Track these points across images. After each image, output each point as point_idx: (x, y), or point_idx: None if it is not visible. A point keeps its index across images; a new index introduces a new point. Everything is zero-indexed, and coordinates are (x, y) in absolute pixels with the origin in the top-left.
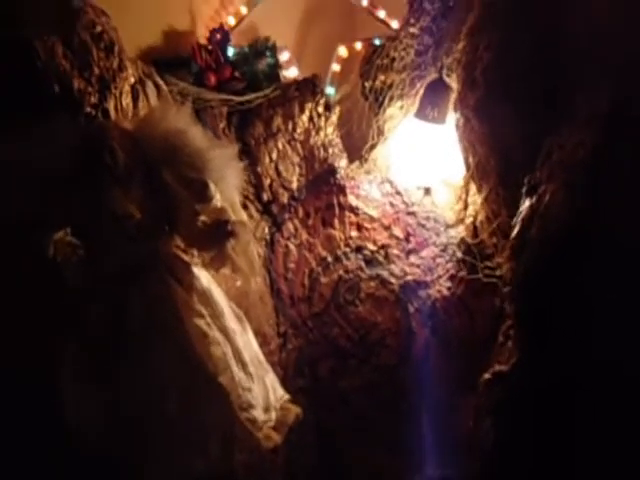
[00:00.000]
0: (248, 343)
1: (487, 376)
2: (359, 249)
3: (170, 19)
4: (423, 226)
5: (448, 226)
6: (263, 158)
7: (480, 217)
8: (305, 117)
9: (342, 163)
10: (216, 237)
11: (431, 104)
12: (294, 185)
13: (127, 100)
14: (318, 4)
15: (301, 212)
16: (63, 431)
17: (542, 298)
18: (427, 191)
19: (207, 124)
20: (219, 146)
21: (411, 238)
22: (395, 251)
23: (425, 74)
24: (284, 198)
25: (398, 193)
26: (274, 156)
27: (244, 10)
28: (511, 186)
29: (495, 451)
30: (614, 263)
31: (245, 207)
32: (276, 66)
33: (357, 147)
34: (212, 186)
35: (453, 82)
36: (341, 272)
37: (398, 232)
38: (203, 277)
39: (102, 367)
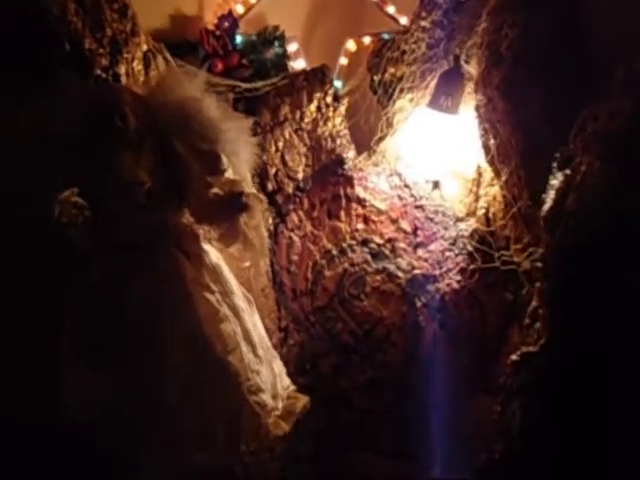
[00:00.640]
0: (256, 326)
1: (514, 357)
2: (365, 242)
3: (179, 3)
4: (431, 220)
5: (458, 219)
6: (269, 147)
7: (493, 209)
8: (313, 107)
9: (350, 154)
10: (229, 210)
11: (445, 94)
12: (300, 175)
13: (139, 67)
14: None
15: (306, 203)
16: (61, 419)
17: (579, 274)
18: (436, 185)
19: None
20: (234, 118)
21: (419, 232)
22: (402, 245)
23: (436, 67)
24: (289, 188)
25: (406, 186)
26: (280, 145)
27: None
28: (533, 167)
29: (523, 433)
30: None
31: None
32: (284, 56)
33: (365, 140)
34: (224, 159)
35: (472, 67)
36: (346, 265)
37: (406, 225)
38: (213, 254)
39: (102, 345)
